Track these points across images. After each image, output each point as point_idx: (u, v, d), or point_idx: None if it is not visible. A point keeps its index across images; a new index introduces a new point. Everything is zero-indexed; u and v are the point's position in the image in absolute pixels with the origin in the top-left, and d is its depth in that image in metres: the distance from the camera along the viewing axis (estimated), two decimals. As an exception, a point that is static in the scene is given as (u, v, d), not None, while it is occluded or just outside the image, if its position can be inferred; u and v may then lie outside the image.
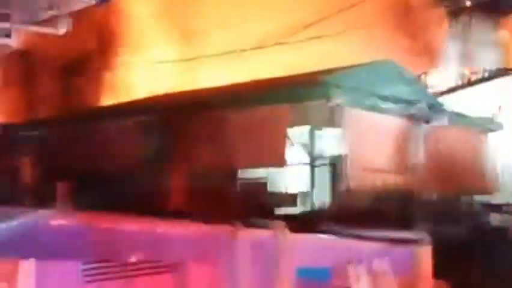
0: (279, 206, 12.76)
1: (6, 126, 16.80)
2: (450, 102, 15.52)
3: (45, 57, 20.79)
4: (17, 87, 20.91)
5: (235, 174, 12.51)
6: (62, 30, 8.98)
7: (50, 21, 9.11)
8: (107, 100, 20.81)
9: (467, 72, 17.32)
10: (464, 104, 15.83)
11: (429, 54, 17.99)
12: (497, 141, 13.90)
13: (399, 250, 6.14)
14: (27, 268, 3.55)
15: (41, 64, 21.20)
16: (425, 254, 6.21)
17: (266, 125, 10.62)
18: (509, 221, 12.28)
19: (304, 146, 11.39)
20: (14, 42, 9.33)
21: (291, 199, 12.51)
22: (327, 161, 11.72)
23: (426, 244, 6.23)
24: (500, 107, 15.31)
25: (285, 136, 10.75)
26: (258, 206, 11.05)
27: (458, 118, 13.44)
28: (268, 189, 13.38)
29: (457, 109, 15.08)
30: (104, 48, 21.98)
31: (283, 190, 13.32)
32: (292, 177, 12.40)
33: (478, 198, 13.32)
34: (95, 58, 22.00)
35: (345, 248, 5.78)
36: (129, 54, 22.08)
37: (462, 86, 16.88)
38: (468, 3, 17.34)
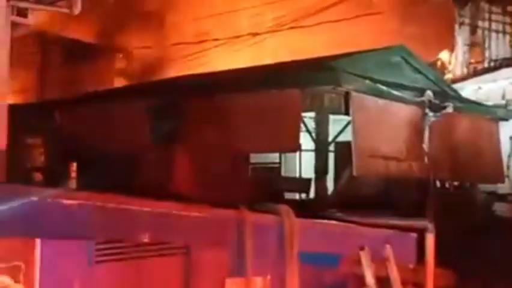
0: (292, 191, 12.82)
1: (18, 107, 16.93)
2: (462, 90, 15.51)
3: (58, 38, 20.88)
4: (29, 68, 21.01)
5: (247, 158, 12.54)
6: (76, 10, 9.02)
7: (65, 1, 9.16)
8: (117, 82, 20.91)
9: (473, 60, 17.26)
10: (478, 92, 15.81)
11: (440, 42, 17.94)
12: (509, 129, 13.85)
13: (403, 237, 6.20)
14: (41, 247, 3.64)
15: (54, 45, 21.29)
16: (429, 242, 6.27)
17: (279, 109, 10.57)
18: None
19: (312, 131, 11.40)
20: (31, 21, 9.40)
21: (304, 184, 12.55)
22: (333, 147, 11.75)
23: (430, 232, 6.29)
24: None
25: (299, 121, 10.73)
26: (269, 191, 11.08)
27: (469, 106, 13.41)
28: (282, 174, 13.43)
29: (470, 96, 15.07)
30: (116, 31, 22.02)
31: (297, 175, 13.37)
32: (306, 162, 12.39)
33: (484, 187, 13.30)
34: (107, 40, 22.06)
35: (349, 234, 5.85)
36: (142, 36, 22.13)
37: (475, 74, 16.83)
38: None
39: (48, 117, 14.32)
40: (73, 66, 21.04)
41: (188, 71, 18.33)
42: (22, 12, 8.68)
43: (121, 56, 22.54)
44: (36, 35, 20.07)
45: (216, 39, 19.95)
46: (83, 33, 20.90)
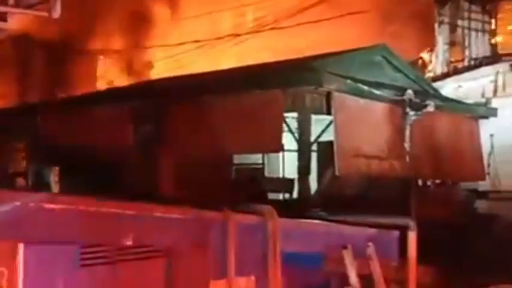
0: (275, 191, 12.85)
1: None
2: (443, 88, 15.64)
3: (38, 41, 20.76)
4: (9, 72, 20.87)
5: (230, 159, 12.54)
6: (55, 14, 9.02)
7: (44, 5, 9.17)
8: (99, 85, 20.84)
9: (453, 59, 17.41)
10: (458, 90, 15.94)
11: (421, 41, 18.08)
12: (489, 127, 13.97)
13: (386, 236, 6.26)
14: (24, 252, 3.63)
15: (34, 48, 21.17)
16: (411, 240, 6.32)
17: (261, 110, 10.58)
18: (496, 208, 12.39)
19: (294, 131, 11.44)
20: (10, 25, 9.38)
21: (287, 185, 12.57)
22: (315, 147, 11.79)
23: (412, 230, 6.34)
24: (494, 92, 15.40)
25: (281, 121, 10.75)
26: (253, 192, 11.09)
27: (450, 104, 13.51)
28: (265, 174, 13.46)
29: (450, 95, 15.19)
30: (97, 33, 21.94)
31: (280, 176, 13.41)
32: (289, 163, 12.43)
33: (465, 184, 13.41)
34: (88, 43, 21.97)
35: (332, 233, 5.90)
36: (124, 38, 22.07)
37: (455, 72, 16.97)
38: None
39: (30, 121, 14.22)
40: (54, 69, 20.94)
41: (170, 73, 18.31)
42: (2, 17, 8.66)
43: (102, 58, 22.45)
44: (17, 39, 19.93)
45: (197, 41, 19.94)
46: (64, 37, 20.78)
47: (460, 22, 17.60)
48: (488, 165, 13.61)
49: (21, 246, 3.61)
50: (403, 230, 6.40)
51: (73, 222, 3.87)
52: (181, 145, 11.46)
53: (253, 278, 5.04)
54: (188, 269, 4.61)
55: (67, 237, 3.83)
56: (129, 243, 4.21)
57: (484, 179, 13.44)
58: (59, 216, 3.81)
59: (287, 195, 13.04)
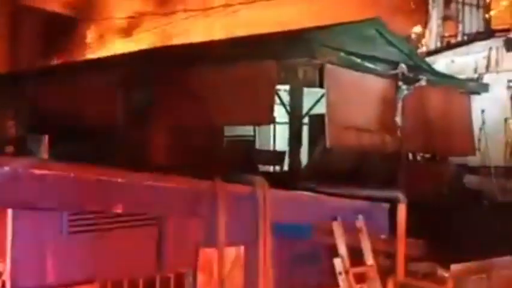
0: (266, 163, 12.87)
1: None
2: (436, 63, 15.61)
3: (30, 8, 20.51)
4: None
5: (221, 130, 12.52)
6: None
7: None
8: (90, 53, 20.67)
9: (446, 34, 17.37)
10: (451, 65, 15.93)
11: (414, 15, 18.01)
12: (481, 102, 14.00)
13: (376, 208, 6.29)
14: (13, 218, 3.62)
15: (25, 14, 20.92)
16: (400, 213, 6.36)
17: (254, 81, 10.52)
18: (485, 184, 12.46)
19: (286, 104, 11.42)
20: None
21: (278, 157, 12.59)
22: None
23: (401, 203, 6.37)
24: (486, 68, 15.40)
25: (273, 93, 10.70)
26: (244, 163, 11.09)
27: (442, 79, 13.51)
28: (256, 146, 13.47)
29: (443, 70, 15.18)
30: (88, 1, 21.72)
31: (271, 148, 13.42)
32: (280, 135, 12.43)
33: (455, 159, 13.48)
34: (79, 11, 21.75)
35: (323, 205, 5.91)
36: (115, 7, 21.85)
37: (448, 47, 16.93)
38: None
39: (19, 89, 14.11)
40: (45, 37, 20.72)
41: (161, 43, 18.18)
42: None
43: (94, 25, 22.25)
44: (6, 5, 19.69)
45: (187, 10, 19.76)
46: (54, 4, 20.56)
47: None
48: (479, 140, 13.66)
49: (10, 212, 3.59)
50: (393, 203, 6.43)
51: (62, 189, 3.86)
52: (171, 115, 11.42)
53: (243, 247, 5.06)
54: (179, 238, 4.62)
55: (55, 203, 3.81)
56: (119, 211, 4.20)
57: (474, 154, 13.50)
58: (48, 183, 3.79)
59: (278, 168, 13.05)
